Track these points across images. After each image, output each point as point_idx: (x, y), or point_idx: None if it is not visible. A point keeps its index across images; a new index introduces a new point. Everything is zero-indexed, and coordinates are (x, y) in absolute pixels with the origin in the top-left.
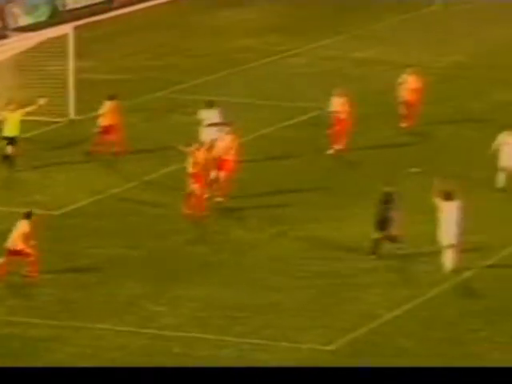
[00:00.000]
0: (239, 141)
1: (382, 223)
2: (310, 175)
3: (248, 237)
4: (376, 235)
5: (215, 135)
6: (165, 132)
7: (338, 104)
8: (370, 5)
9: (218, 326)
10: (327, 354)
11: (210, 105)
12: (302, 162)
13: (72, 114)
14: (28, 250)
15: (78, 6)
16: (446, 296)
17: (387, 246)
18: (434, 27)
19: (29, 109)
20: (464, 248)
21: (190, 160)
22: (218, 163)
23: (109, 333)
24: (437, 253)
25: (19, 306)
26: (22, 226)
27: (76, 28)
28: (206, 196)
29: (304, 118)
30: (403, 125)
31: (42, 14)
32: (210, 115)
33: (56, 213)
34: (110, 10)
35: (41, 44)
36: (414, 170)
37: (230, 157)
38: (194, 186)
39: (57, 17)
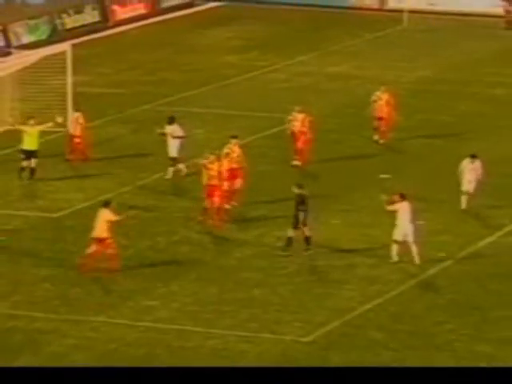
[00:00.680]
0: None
1: (296, 223)
2: (287, 181)
3: (233, 237)
4: (290, 233)
5: (179, 147)
6: (152, 142)
7: (298, 120)
8: (344, 23)
9: (207, 319)
10: (305, 345)
11: (171, 120)
12: (279, 168)
13: (70, 125)
14: (110, 241)
15: (76, 25)
16: (413, 291)
17: (301, 246)
18: (403, 45)
19: (48, 124)
20: (431, 246)
21: (206, 172)
22: (232, 173)
23: (105, 325)
24: (404, 252)
25: (22, 301)
26: (104, 215)
27: (74, 45)
28: (225, 206)
29: (282, 128)
30: (376, 137)
31: (43, 33)
32: (173, 129)
33: (55, 215)
34: (106, 28)
35: (41, 60)
36: (383, 176)
37: (241, 165)
38: (214, 199)
39: (56, 35)
